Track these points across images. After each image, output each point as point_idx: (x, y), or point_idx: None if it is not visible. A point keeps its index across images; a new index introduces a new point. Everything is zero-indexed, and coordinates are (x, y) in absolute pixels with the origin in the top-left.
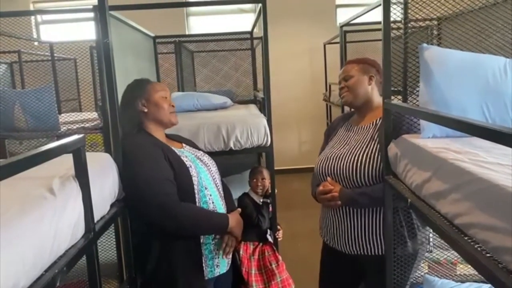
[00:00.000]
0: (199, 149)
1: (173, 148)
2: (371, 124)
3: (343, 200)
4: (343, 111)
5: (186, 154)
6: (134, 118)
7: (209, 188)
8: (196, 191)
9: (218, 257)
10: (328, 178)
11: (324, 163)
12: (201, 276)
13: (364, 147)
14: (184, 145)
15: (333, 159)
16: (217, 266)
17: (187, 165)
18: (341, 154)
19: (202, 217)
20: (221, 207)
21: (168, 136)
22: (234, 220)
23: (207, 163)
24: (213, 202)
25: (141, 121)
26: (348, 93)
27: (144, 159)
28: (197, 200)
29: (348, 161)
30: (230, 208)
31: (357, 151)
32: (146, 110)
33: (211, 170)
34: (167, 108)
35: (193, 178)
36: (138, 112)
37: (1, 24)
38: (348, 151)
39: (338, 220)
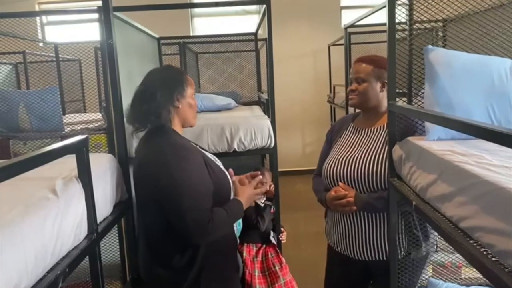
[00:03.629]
0: (206, 150)
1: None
2: (382, 127)
3: (359, 205)
4: (347, 113)
5: (209, 155)
6: (164, 111)
7: None
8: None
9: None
10: (340, 183)
11: (335, 167)
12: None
13: (379, 150)
14: (194, 144)
15: (344, 163)
16: None
17: (223, 169)
18: (353, 157)
19: (228, 220)
20: None
21: None
22: (243, 198)
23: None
24: None
25: (168, 116)
26: (357, 97)
27: (190, 167)
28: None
29: (363, 165)
30: None
31: (372, 154)
32: (179, 106)
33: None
34: (195, 108)
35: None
36: (171, 105)
37: (7, 25)
38: (361, 154)
39: (349, 226)
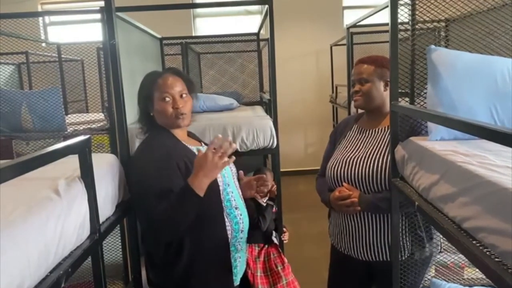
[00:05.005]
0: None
1: (192, 148)
2: (386, 127)
3: (363, 206)
4: (349, 113)
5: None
6: (142, 123)
7: (231, 185)
8: (221, 190)
9: (239, 266)
10: (344, 183)
11: (339, 167)
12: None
13: (382, 151)
14: (203, 144)
15: (348, 163)
16: (236, 275)
17: None
18: (357, 158)
19: (174, 213)
20: (241, 203)
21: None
22: (198, 175)
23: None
24: (234, 200)
25: (147, 127)
26: (361, 98)
27: (149, 170)
28: (222, 198)
29: (367, 165)
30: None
31: (376, 155)
32: (152, 114)
33: (232, 169)
34: (169, 113)
35: (218, 179)
36: (146, 117)
37: (9, 25)
38: (365, 155)
39: (353, 226)
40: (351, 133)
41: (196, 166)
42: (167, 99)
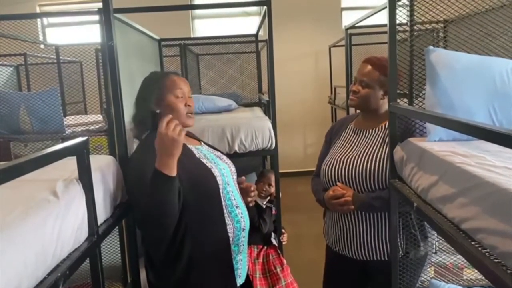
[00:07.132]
0: (217, 149)
1: (191, 147)
2: (381, 128)
3: (357, 205)
4: (348, 114)
5: (204, 152)
6: (146, 118)
7: (230, 184)
8: (221, 189)
9: (241, 268)
10: (338, 183)
11: (333, 167)
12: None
13: (377, 150)
14: (202, 143)
15: (343, 162)
16: (239, 276)
17: (209, 167)
18: (351, 157)
19: (153, 198)
20: (241, 202)
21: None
22: (159, 159)
23: (227, 162)
24: (235, 199)
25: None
26: (357, 99)
27: (146, 170)
28: (222, 198)
29: (361, 164)
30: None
31: (370, 154)
32: (158, 111)
33: (231, 169)
34: (182, 109)
35: (217, 178)
36: (151, 111)
37: (8, 26)
38: (359, 154)
39: (347, 225)
40: (346, 133)
41: (157, 149)
42: (181, 95)
